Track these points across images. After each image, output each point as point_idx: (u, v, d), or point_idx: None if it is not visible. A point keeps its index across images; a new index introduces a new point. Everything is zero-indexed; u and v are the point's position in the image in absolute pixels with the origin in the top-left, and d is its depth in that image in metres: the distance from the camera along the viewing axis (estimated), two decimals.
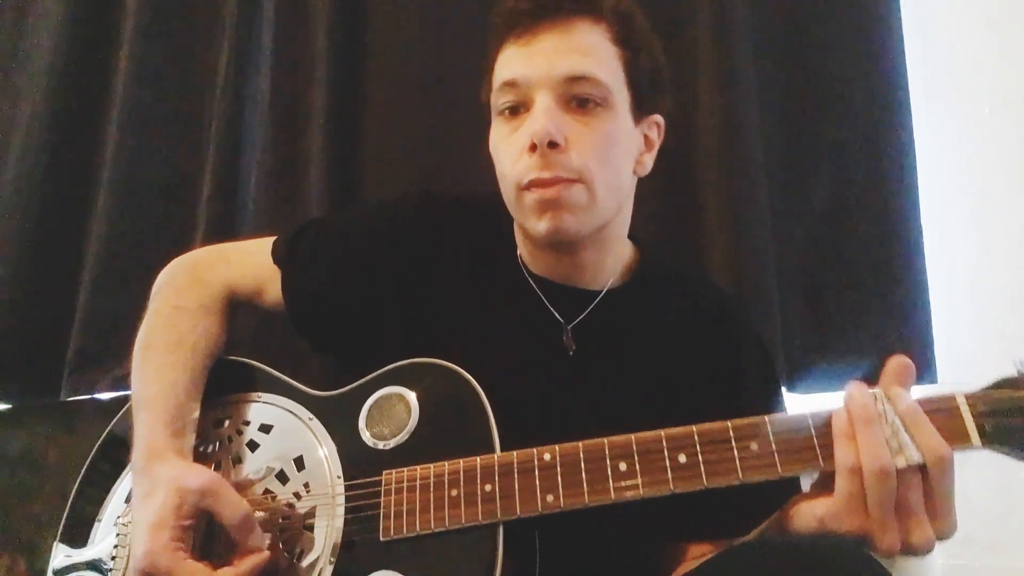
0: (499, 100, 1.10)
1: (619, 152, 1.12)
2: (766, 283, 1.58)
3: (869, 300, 1.59)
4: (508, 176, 1.10)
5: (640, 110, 1.14)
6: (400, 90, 1.78)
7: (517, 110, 1.09)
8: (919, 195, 1.61)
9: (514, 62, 1.09)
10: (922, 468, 0.84)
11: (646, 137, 1.18)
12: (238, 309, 1.29)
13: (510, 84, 1.08)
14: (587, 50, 1.08)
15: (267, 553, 1.00)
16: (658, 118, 1.19)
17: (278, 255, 1.27)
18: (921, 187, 1.61)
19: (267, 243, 1.29)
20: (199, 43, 1.92)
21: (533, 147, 1.05)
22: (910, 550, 0.84)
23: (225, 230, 1.78)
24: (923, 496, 0.84)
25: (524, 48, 1.08)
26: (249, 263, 1.29)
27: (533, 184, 1.06)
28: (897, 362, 0.90)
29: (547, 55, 1.07)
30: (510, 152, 1.09)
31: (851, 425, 0.86)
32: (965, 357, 1.55)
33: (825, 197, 1.65)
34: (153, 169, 1.87)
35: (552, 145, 1.04)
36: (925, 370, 1.55)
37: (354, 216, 1.36)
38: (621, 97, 1.10)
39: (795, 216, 1.65)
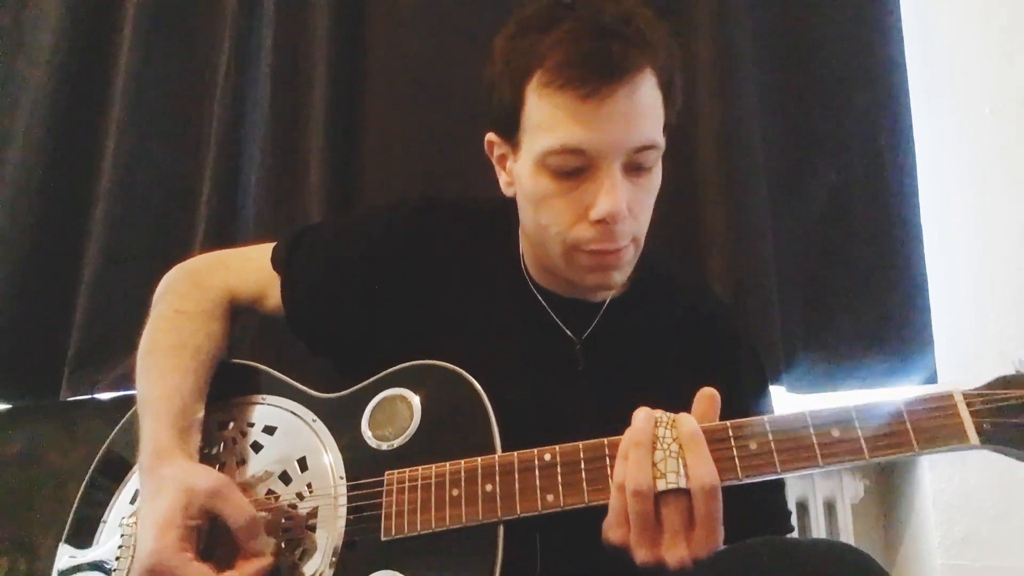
0: (555, 160, 1.02)
1: (653, 199, 1.11)
2: (766, 283, 1.58)
3: (869, 300, 1.60)
4: (558, 234, 1.06)
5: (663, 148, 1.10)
6: (400, 90, 1.78)
7: (576, 172, 1.03)
8: (919, 195, 1.61)
9: (580, 125, 1.00)
10: (689, 493, 0.88)
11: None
12: (239, 314, 1.30)
13: (576, 151, 1.00)
14: (650, 112, 1.04)
15: (270, 558, 1.01)
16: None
17: (277, 260, 1.27)
18: (921, 187, 1.61)
19: (267, 249, 1.30)
20: (199, 43, 1.92)
21: (602, 221, 1.03)
22: (663, 564, 0.89)
23: (225, 230, 1.78)
24: (685, 519, 0.88)
25: (593, 111, 0.99)
26: (249, 268, 1.29)
27: (598, 253, 1.06)
28: (703, 392, 0.95)
29: (619, 122, 1.00)
30: (564, 213, 1.05)
31: (627, 446, 0.91)
32: (965, 357, 1.55)
33: (825, 197, 1.65)
34: (153, 169, 1.86)
35: (620, 222, 1.04)
36: (925, 371, 1.56)
37: (352, 221, 1.36)
38: (662, 145, 1.07)
39: (795, 216, 1.66)
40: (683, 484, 0.88)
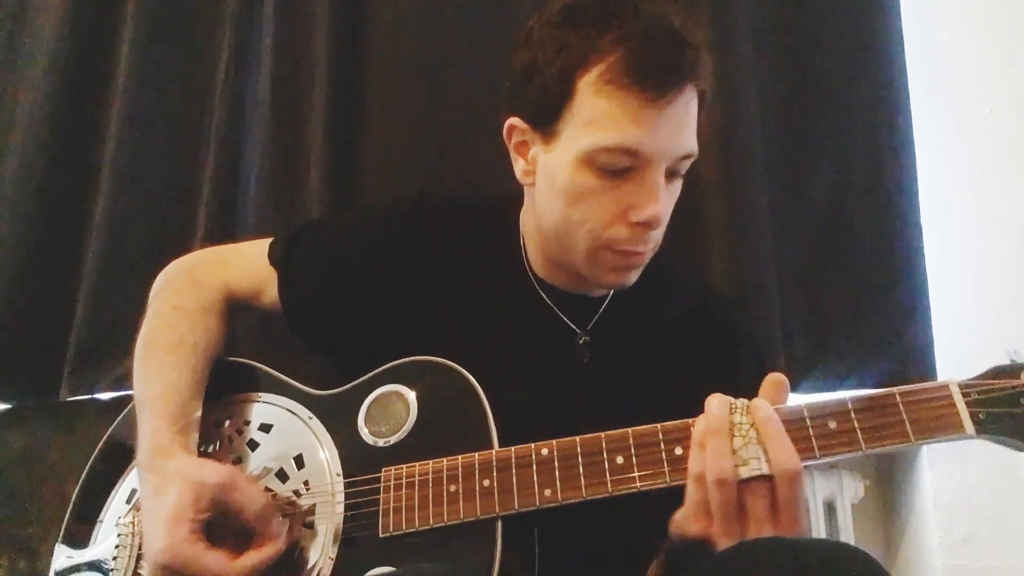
0: (606, 158, 1.01)
1: None
2: (766, 283, 1.58)
3: (869, 300, 1.60)
4: (590, 231, 1.05)
5: None
6: (400, 90, 1.78)
7: (622, 172, 1.03)
8: (919, 195, 1.61)
9: (640, 127, 0.99)
10: (771, 479, 0.86)
11: None
12: (237, 311, 1.30)
13: (630, 152, 1.00)
14: (694, 123, 1.05)
15: (284, 542, 1.01)
16: None
17: (275, 256, 1.27)
18: (921, 187, 1.61)
19: (265, 244, 1.30)
20: (199, 43, 1.92)
21: (642, 224, 1.03)
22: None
23: (225, 230, 1.77)
24: (769, 506, 0.87)
25: (654, 115, 0.99)
26: (247, 264, 1.29)
27: (627, 253, 1.07)
28: (771, 377, 0.94)
29: (674, 129, 1.02)
30: (603, 211, 1.04)
31: (703, 434, 0.89)
32: (965, 357, 1.55)
33: (825, 197, 1.65)
34: (153, 169, 1.87)
35: (657, 226, 1.05)
36: (925, 371, 1.55)
37: (351, 218, 1.36)
38: None
39: (795, 216, 1.65)
40: (766, 470, 0.86)
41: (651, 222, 1.03)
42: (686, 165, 1.06)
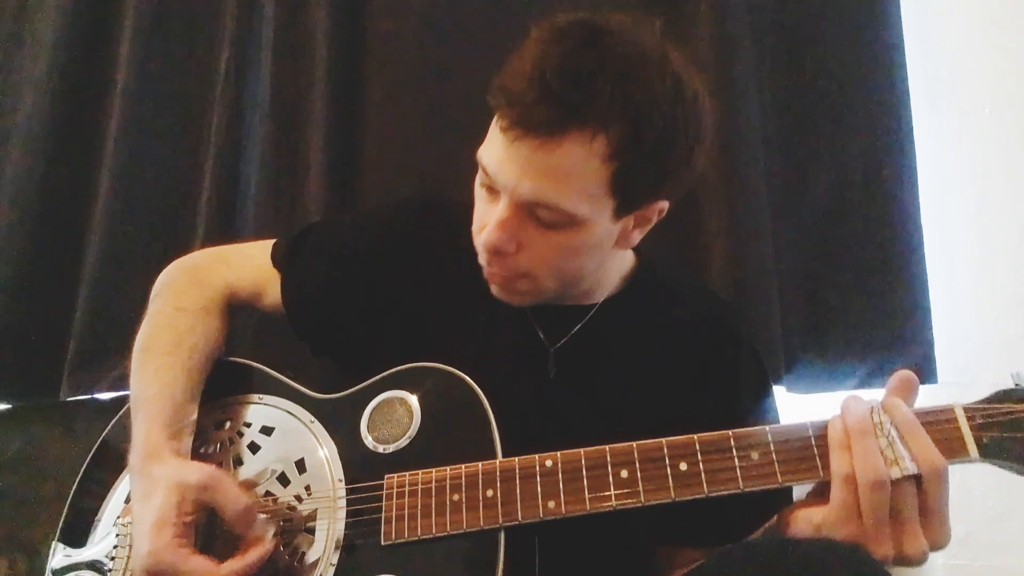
0: (480, 168, 1.03)
1: (585, 254, 1.07)
2: (766, 283, 1.58)
3: (869, 300, 1.59)
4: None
5: (630, 209, 1.04)
6: (400, 91, 1.78)
7: (491, 188, 1.03)
8: (919, 195, 1.61)
9: (494, 153, 1.00)
10: (917, 479, 0.85)
11: (639, 217, 1.08)
12: (238, 311, 1.30)
13: (485, 169, 1.02)
14: (560, 175, 0.96)
15: (271, 544, 1.01)
16: (662, 205, 1.08)
17: (278, 258, 1.27)
18: (921, 187, 1.61)
19: (267, 246, 1.30)
20: (199, 43, 1.92)
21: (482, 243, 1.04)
22: (903, 560, 0.86)
23: (225, 230, 1.78)
24: (918, 506, 0.85)
25: (505, 144, 0.97)
26: (249, 266, 1.29)
27: (484, 267, 1.08)
28: (901, 375, 0.91)
29: (518, 168, 0.97)
30: (476, 221, 1.08)
31: (846, 435, 0.88)
32: (965, 357, 1.55)
33: (825, 197, 1.65)
34: (153, 169, 1.86)
35: (499, 253, 1.04)
36: (925, 371, 1.55)
37: (354, 220, 1.36)
38: (598, 209, 1.00)
39: (795, 216, 1.65)
40: (914, 470, 0.84)
41: (485, 246, 1.03)
42: (544, 214, 1.00)
